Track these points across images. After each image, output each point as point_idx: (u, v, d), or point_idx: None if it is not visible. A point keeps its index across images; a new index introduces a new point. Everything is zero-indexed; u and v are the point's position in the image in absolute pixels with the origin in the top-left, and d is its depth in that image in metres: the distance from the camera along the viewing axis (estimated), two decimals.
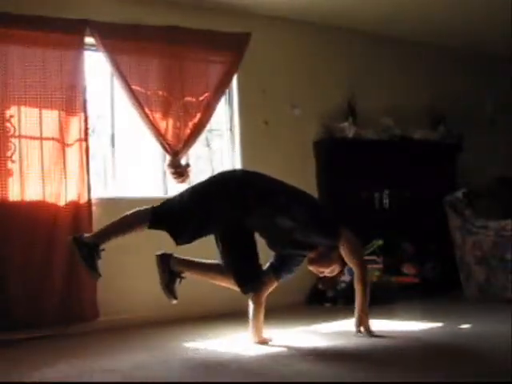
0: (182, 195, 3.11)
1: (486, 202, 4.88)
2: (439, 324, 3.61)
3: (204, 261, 3.21)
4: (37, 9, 3.95)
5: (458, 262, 4.70)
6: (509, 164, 5.85)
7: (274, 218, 3.05)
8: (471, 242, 4.53)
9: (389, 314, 3.99)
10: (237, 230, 3.12)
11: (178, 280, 3.11)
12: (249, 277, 3.13)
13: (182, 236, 3.01)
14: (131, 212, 3.01)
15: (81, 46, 4.09)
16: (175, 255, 3.12)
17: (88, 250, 2.90)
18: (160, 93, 4.35)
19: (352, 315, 3.28)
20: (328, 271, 3.19)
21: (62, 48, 4.02)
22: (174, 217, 3.01)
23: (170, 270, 3.07)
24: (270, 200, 3.05)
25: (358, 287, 3.21)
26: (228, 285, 3.17)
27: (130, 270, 4.12)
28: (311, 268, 3.20)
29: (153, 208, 3.01)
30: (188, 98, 4.45)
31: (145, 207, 3.02)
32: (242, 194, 3.04)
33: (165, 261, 3.09)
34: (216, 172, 3.23)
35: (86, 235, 3.02)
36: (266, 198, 3.06)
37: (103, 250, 2.95)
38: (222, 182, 3.13)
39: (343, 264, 3.23)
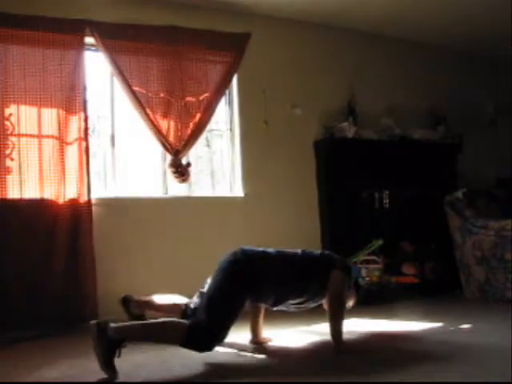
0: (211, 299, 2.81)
1: (485, 201, 4.87)
2: (439, 324, 3.60)
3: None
4: (37, 9, 3.95)
5: (457, 262, 4.70)
6: (509, 164, 5.85)
7: (284, 292, 3.00)
8: (471, 242, 4.52)
9: (389, 313, 3.99)
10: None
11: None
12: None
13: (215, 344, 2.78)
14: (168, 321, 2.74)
15: (81, 46, 4.10)
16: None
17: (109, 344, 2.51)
18: (160, 93, 4.36)
19: (352, 316, 3.28)
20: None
21: (62, 48, 4.03)
22: (212, 332, 2.74)
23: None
24: (277, 279, 2.96)
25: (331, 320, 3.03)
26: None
27: (130, 270, 4.13)
28: None
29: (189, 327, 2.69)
30: (188, 98, 4.45)
31: (181, 322, 2.76)
32: (250, 275, 2.90)
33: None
34: (224, 258, 2.94)
35: (113, 325, 2.58)
36: (273, 278, 2.96)
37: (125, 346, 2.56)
38: (233, 270, 2.90)
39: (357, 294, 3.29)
